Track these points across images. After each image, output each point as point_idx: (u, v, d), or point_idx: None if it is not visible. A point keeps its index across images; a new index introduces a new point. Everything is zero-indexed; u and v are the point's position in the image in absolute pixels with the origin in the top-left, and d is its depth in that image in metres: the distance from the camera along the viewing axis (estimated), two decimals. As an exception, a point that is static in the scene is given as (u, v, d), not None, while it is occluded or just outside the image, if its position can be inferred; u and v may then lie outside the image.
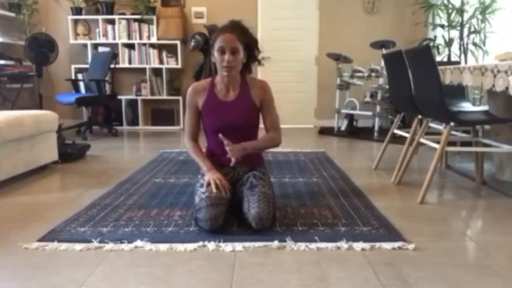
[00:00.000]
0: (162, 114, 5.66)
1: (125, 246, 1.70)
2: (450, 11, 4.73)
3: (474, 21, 4.55)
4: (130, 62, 5.57)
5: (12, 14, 5.29)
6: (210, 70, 5.28)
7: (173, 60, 5.55)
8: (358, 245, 1.70)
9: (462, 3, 4.63)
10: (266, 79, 2.28)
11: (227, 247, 1.69)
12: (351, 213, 2.10)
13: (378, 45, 4.85)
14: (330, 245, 1.71)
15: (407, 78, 2.64)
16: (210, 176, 1.95)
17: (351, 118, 5.16)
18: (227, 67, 1.95)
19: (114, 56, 5.01)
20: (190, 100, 2.12)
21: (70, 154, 3.43)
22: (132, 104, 5.66)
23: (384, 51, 4.65)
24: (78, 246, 1.70)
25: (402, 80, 2.73)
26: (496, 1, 4.38)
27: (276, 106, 2.18)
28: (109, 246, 1.71)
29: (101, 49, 5.55)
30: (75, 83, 5.31)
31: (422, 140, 2.67)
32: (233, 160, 1.95)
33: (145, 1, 5.33)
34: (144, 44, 5.52)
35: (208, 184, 1.91)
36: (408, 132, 2.95)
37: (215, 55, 1.98)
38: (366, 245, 1.71)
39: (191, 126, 2.15)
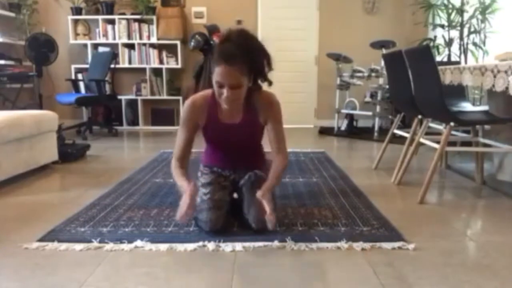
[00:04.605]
0: (162, 114, 5.66)
1: (125, 246, 1.70)
2: (450, 11, 4.73)
3: (474, 21, 4.55)
4: (130, 62, 5.57)
5: (12, 14, 5.28)
6: (211, 70, 5.32)
7: (173, 60, 5.55)
8: (358, 245, 1.70)
9: (462, 3, 4.63)
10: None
11: (227, 247, 1.69)
12: (351, 213, 2.10)
13: (378, 45, 4.85)
14: (330, 245, 1.71)
15: (407, 78, 2.64)
16: (184, 197, 1.68)
17: (351, 118, 5.16)
18: (227, 103, 1.71)
19: (114, 56, 5.01)
20: (188, 117, 1.84)
21: (70, 154, 3.43)
22: (132, 104, 5.66)
23: (384, 51, 4.65)
24: (78, 246, 1.70)
25: (402, 80, 2.73)
26: (496, 1, 4.38)
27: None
28: (109, 246, 1.71)
29: (101, 49, 5.55)
30: (75, 83, 5.31)
31: (422, 140, 2.67)
32: (271, 219, 1.63)
33: (145, 1, 5.33)
34: (144, 44, 5.52)
35: (208, 185, 1.89)
36: (408, 132, 2.95)
37: (213, 83, 1.71)
38: (366, 245, 1.70)
39: (183, 146, 1.86)
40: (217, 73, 1.64)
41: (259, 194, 1.69)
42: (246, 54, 1.65)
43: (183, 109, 1.85)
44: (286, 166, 1.91)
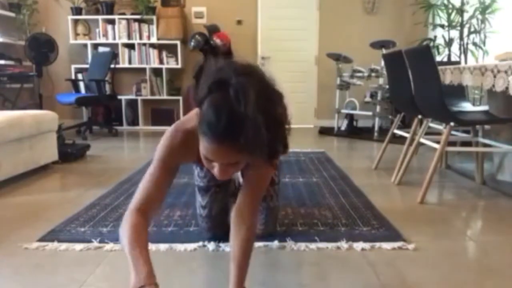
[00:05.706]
0: (162, 114, 5.66)
1: (125, 246, 1.70)
2: (450, 11, 4.73)
3: (474, 21, 4.55)
4: (130, 62, 5.56)
5: (12, 14, 5.29)
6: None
7: (173, 60, 5.55)
8: (358, 245, 1.70)
9: (462, 3, 4.63)
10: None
11: (227, 247, 1.69)
12: (351, 213, 2.10)
13: (378, 45, 4.85)
14: (330, 245, 1.71)
15: (407, 78, 2.64)
16: None
17: (351, 118, 5.17)
18: (219, 177, 1.05)
19: (114, 56, 5.01)
20: (171, 157, 1.22)
21: (70, 154, 3.43)
22: (132, 104, 5.66)
23: (384, 51, 4.65)
24: (78, 246, 1.70)
25: (402, 80, 2.73)
26: (496, 1, 4.38)
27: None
28: (109, 246, 1.71)
29: (101, 49, 5.55)
30: (75, 83, 5.31)
31: (422, 140, 2.67)
32: None
33: (145, 1, 5.33)
34: (144, 44, 5.52)
35: (205, 191, 1.67)
36: (408, 132, 2.95)
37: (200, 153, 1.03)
38: (366, 245, 1.70)
39: (151, 189, 1.25)
40: (204, 146, 0.98)
41: None
42: (249, 123, 0.90)
43: (167, 141, 1.21)
44: (254, 238, 1.27)
